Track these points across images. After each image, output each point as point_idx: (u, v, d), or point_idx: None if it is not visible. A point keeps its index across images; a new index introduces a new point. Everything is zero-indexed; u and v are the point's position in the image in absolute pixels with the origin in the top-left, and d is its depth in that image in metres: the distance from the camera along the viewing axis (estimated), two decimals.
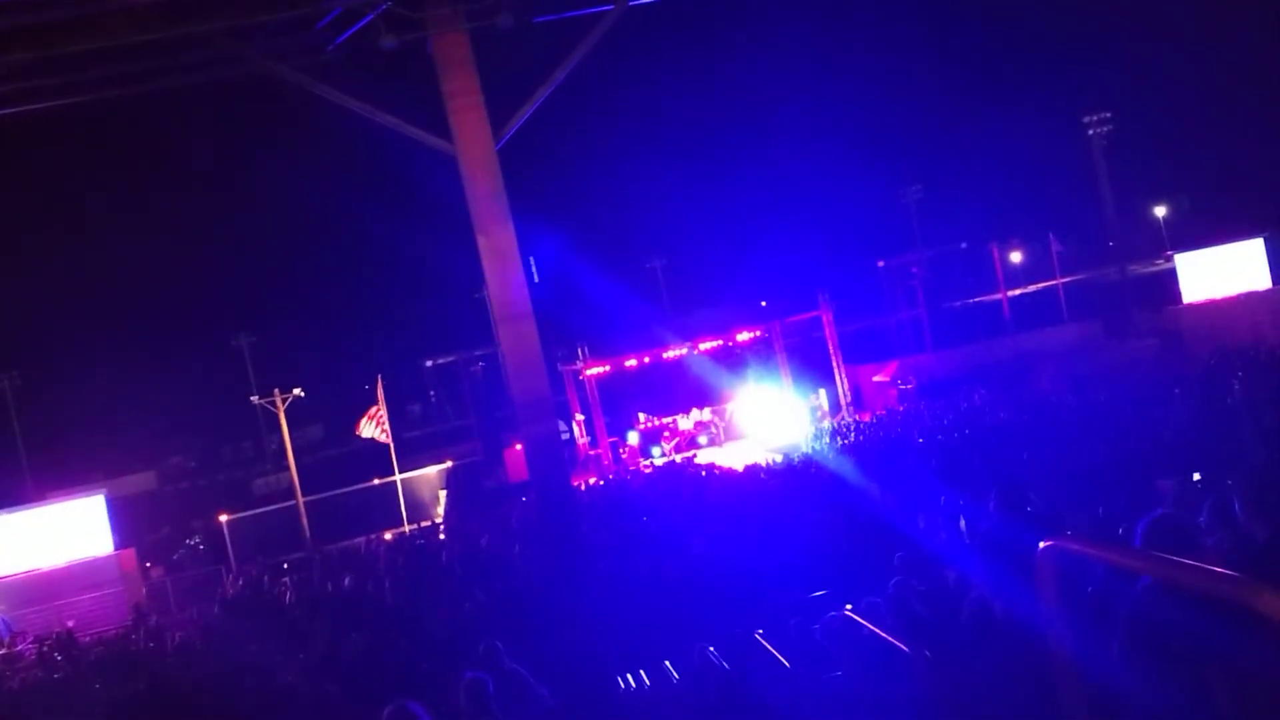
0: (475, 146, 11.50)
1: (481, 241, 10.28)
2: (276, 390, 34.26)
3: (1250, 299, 29.13)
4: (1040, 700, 2.64)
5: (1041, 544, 2.55)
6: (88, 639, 18.99)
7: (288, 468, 34.32)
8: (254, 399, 35.91)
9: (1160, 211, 57.30)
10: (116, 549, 24.11)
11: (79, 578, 23.23)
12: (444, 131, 12.49)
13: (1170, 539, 3.33)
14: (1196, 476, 12.70)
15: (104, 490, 25.45)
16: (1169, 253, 37.91)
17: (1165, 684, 2.89)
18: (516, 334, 10.10)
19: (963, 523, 7.49)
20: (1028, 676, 3.33)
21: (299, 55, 13.25)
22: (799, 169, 58.39)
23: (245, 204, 64.52)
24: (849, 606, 6.73)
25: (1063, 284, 43.38)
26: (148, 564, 29.17)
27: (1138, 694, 2.97)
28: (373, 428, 30.33)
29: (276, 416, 34.12)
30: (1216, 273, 30.31)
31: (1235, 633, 2.38)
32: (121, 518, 26.10)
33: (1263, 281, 29.40)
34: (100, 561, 23.64)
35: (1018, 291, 46.84)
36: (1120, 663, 3.09)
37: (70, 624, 20.33)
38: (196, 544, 35.43)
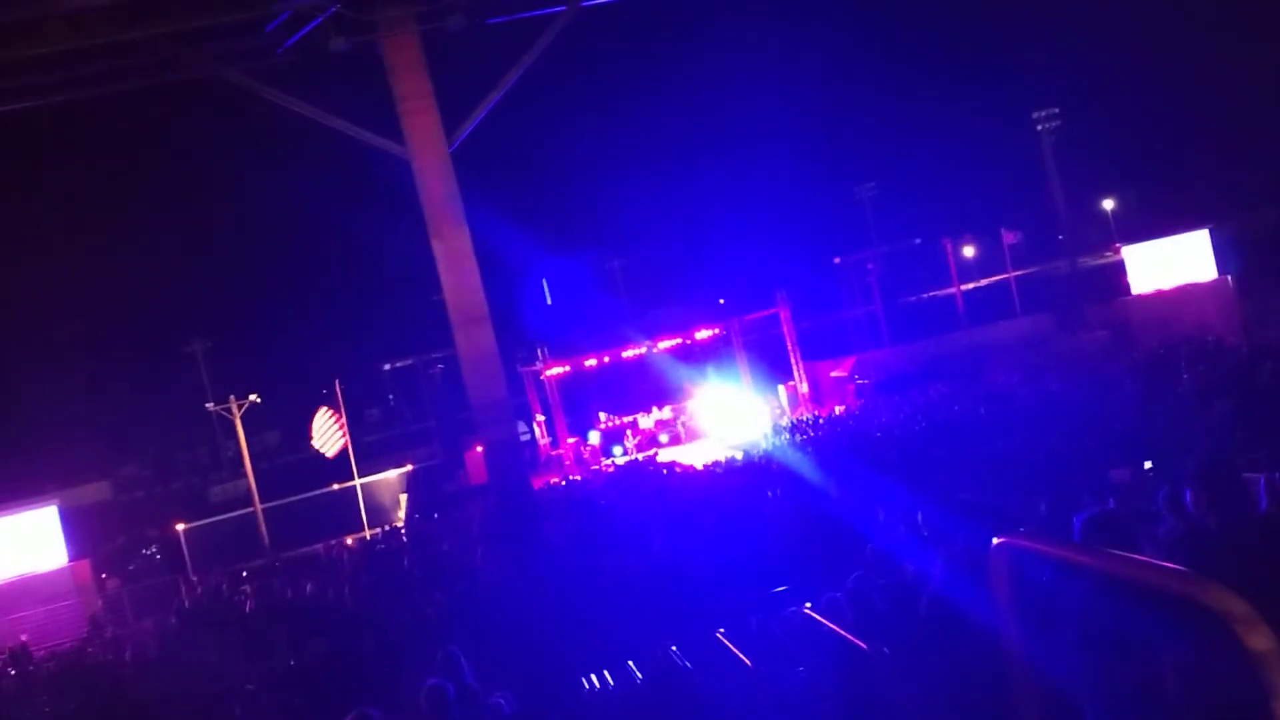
0: (428, 149, 11.44)
1: (436, 245, 10.22)
2: (232, 397, 33.86)
3: (1196, 290, 29.67)
4: (995, 695, 2.68)
5: (994, 541, 2.58)
6: (42, 653, 18.66)
7: (245, 475, 33.94)
8: (209, 405, 35.43)
9: (1108, 205, 58.23)
10: (70, 561, 23.68)
11: (32, 591, 22.79)
12: (397, 135, 12.42)
13: (1107, 533, 3.40)
14: (1148, 465, 12.92)
15: (56, 501, 24.95)
16: (1117, 245, 38.52)
17: (1115, 678, 2.95)
18: (474, 337, 10.05)
19: (920, 517, 7.57)
20: (983, 672, 3.38)
21: (249, 59, 13.12)
22: (755, 168, 58.61)
23: (198, 209, 63.75)
24: (808, 604, 6.79)
25: (1014, 278, 43.94)
26: (103, 575, 28.70)
27: (1089, 688, 3.03)
28: (325, 438, 29.89)
29: (232, 423, 33.73)
30: (1163, 265, 30.82)
31: (1183, 626, 2.44)
32: (75, 529, 25.65)
33: (1208, 273, 29.94)
34: (54, 574, 23.21)
35: (971, 286, 47.40)
36: (1071, 658, 3.15)
37: (24, 638, 19.95)
38: (153, 553, 34.93)
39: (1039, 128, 46.11)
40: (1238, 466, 5.29)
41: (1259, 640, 1.83)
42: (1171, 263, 30.68)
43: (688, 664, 6.86)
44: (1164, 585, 2.01)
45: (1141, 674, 2.76)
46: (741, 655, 6.58)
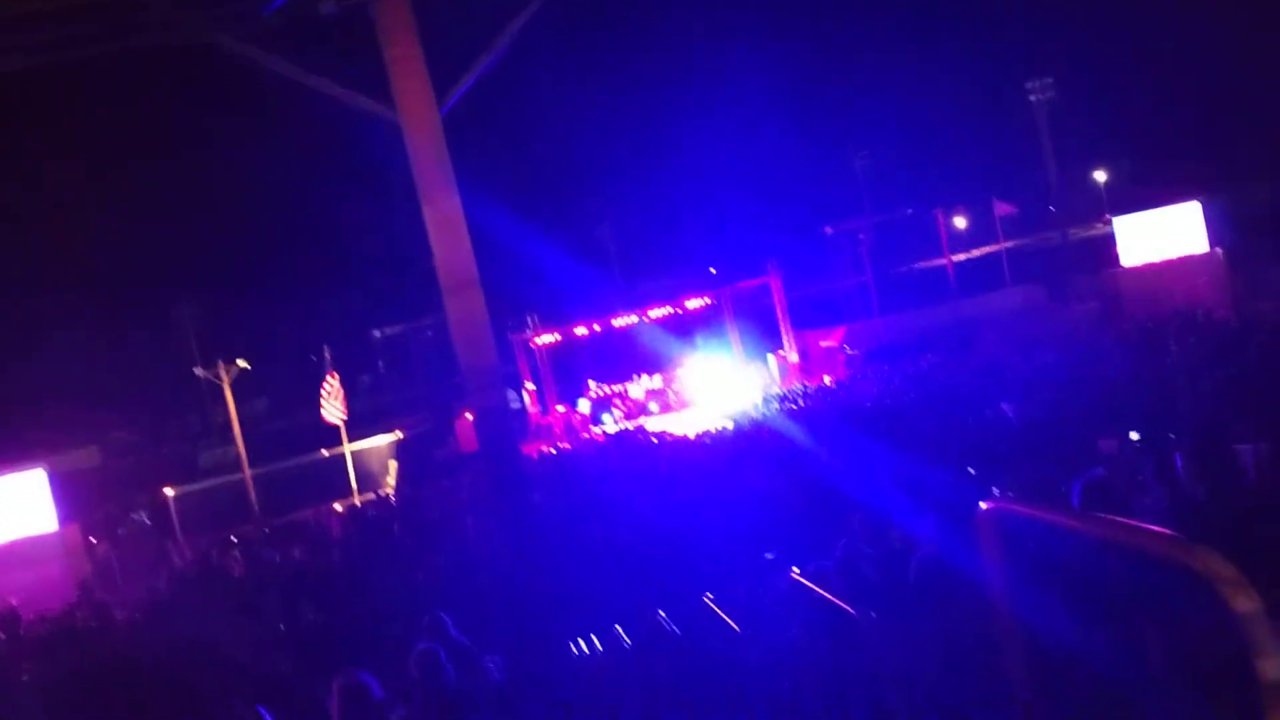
0: (419, 113, 11.34)
1: (427, 210, 10.16)
2: (220, 362, 33.76)
3: (1187, 262, 29.71)
4: (983, 658, 2.70)
5: (982, 505, 2.59)
6: (30, 617, 18.67)
7: (234, 440, 33.90)
8: (198, 371, 35.33)
9: (1100, 176, 58.18)
10: (59, 525, 23.67)
11: (20, 555, 22.75)
12: (387, 98, 12.31)
13: (1104, 498, 3.41)
14: (1135, 436, 12.99)
15: (45, 466, 24.87)
16: (1108, 216, 38.53)
17: (1101, 642, 2.96)
18: (464, 304, 10.02)
19: (909, 484, 7.60)
20: (972, 636, 3.40)
21: (236, 21, 12.95)
22: (747, 137, 58.39)
23: (187, 173, 63.10)
24: (796, 570, 6.82)
25: (1005, 249, 43.96)
26: (92, 540, 28.71)
27: (1075, 651, 3.05)
28: (333, 407, 29.90)
29: (221, 388, 33.65)
30: (1154, 236, 30.84)
31: (1170, 590, 2.45)
32: (64, 493, 25.60)
33: (1199, 245, 29.97)
34: (42, 539, 23.20)
35: (962, 257, 47.41)
36: (1058, 622, 3.17)
37: (13, 601, 19.96)
38: (141, 519, 34.93)
39: (1032, 98, 45.96)
40: (1227, 437, 5.32)
41: (1245, 602, 1.84)
42: (1163, 234, 30.70)
43: (675, 628, 6.90)
44: (1152, 549, 2.02)
45: (1127, 637, 2.78)
46: (729, 620, 6.62)
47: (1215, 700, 2.50)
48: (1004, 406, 15.81)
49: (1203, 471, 3.64)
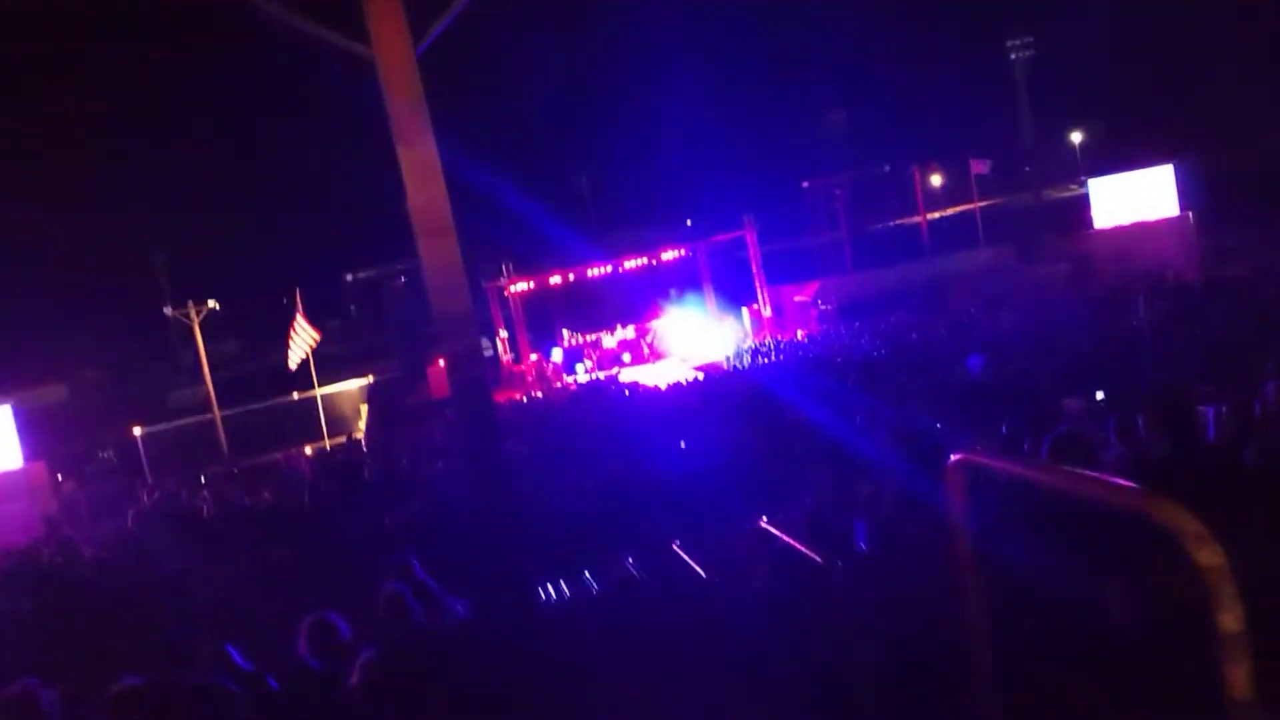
0: (395, 52, 11.14)
1: (402, 152, 10.02)
2: (191, 302, 33.40)
3: (1157, 226, 29.91)
4: (948, 608, 2.74)
5: (952, 457, 2.62)
6: None
7: (203, 381, 33.66)
8: (168, 311, 34.94)
9: (1076, 138, 58.27)
10: (26, 462, 23.49)
11: None
12: (362, 35, 12.09)
13: (1073, 453, 3.46)
14: (1100, 396, 13.16)
15: (11, 402, 24.60)
16: (1082, 178, 38.64)
17: (1063, 591, 3.02)
18: (438, 248, 9.94)
19: (877, 437, 7.67)
20: (936, 585, 3.46)
21: None
22: (727, 90, 57.95)
23: (160, 112, 61.98)
24: (765, 519, 6.89)
25: (980, 208, 44.06)
26: (59, 477, 28.53)
27: (1037, 599, 3.11)
28: (300, 348, 29.63)
29: (191, 329, 33.33)
30: (1127, 199, 30.99)
31: (1133, 543, 2.50)
32: (31, 430, 25.39)
33: (1170, 208, 30.15)
34: (8, 475, 23.02)
35: (936, 215, 47.50)
36: (1021, 571, 3.23)
37: None
38: (109, 457, 34.74)
39: (1012, 55, 45.81)
40: (1189, 399, 5.39)
41: (1209, 556, 1.87)
42: (1135, 197, 30.84)
43: (643, 575, 6.97)
44: (1118, 501, 2.05)
45: (1089, 586, 2.84)
46: (696, 567, 6.69)
47: (1174, 649, 2.56)
48: (970, 364, 15.94)
49: (1164, 431, 3.69)
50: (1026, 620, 3.23)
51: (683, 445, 14.44)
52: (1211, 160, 39.51)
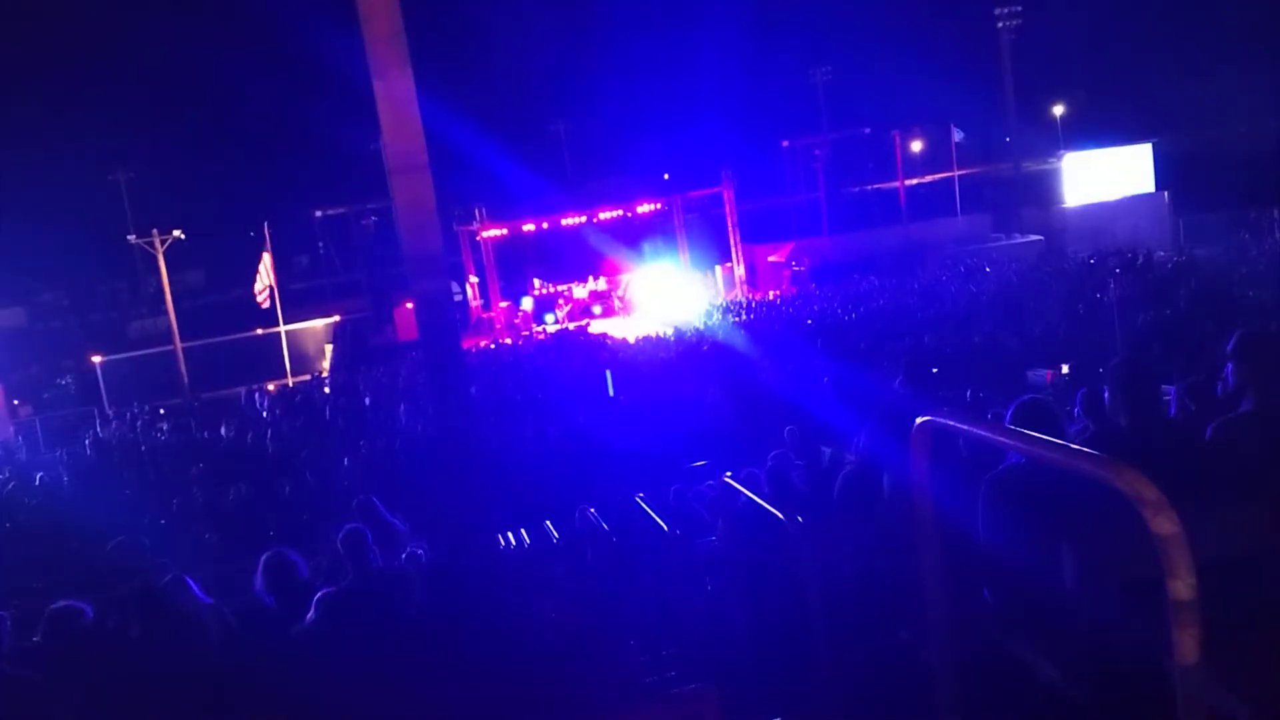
0: None
1: (378, 85, 9.85)
2: (155, 231, 32.85)
3: (1134, 202, 30.12)
4: (907, 565, 2.76)
5: (918, 420, 2.61)
6: None
7: (165, 312, 33.20)
8: (131, 238, 34.34)
9: (1058, 111, 58.30)
10: None
11: None
12: None
13: (1037, 420, 3.47)
14: (1065, 369, 13.30)
15: None
16: (1062, 152, 38.71)
17: (1020, 554, 3.05)
18: (411, 186, 9.80)
19: (843, 399, 7.70)
20: (894, 543, 3.47)
21: None
22: (709, 45, 57.26)
23: (128, 37, 60.38)
24: (728, 474, 6.91)
25: (959, 176, 44.05)
26: (15, 402, 28.18)
27: (994, 560, 3.14)
28: (263, 284, 29.38)
29: (154, 258, 32.82)
30: (1105, 174, 31.16)
31: (1092, 509, 2.51)
32: None
33: (1147, 186, 30.35)
34: None
35: (915, 181, 47.43)
36: (981, 533, 3.25)
37: None
38: (67, 384, 34.32)
39: (999, 24, 45.56)
40: (1153, 374, 5.42)
41: (1165, 525, 1.88)
42: (1113, 173, 31.03)
43: (605, 525, 6.98)
44: (1080, 468, 2.05)
45: (1045, 551, 2.86)
46: (659, 520, 6.71)
47: (1126, 612, 2.59)
48: (927, 339, 16.04)
49: (1128, 403, 3.71)
50: (980, 582, 3.26)
51: (650, 399, 14.45)
52: (1190, 140, 39.70)
